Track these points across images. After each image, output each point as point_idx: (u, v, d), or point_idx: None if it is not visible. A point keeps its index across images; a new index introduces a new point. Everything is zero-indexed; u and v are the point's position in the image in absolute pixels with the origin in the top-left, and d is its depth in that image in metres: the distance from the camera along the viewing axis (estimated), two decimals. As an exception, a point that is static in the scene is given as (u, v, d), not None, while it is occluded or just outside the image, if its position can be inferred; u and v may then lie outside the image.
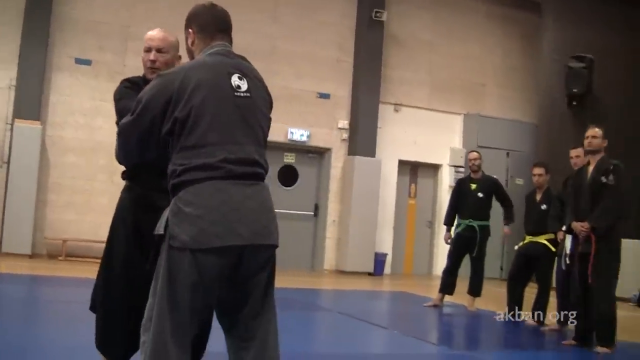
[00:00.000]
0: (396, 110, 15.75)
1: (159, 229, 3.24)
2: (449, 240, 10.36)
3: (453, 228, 10.42)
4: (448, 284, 10.21)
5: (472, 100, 16.44)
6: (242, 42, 13.73)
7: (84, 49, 13.33)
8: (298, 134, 14.79)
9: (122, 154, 3.57)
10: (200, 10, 3.51)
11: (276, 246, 3.32)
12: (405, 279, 15.03)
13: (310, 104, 14.98)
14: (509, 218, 10.24)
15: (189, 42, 3.49)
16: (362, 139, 15.09)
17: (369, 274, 14.86)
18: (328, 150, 15.22)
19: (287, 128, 14.69)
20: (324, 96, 15.09)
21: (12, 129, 12.63)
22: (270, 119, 3.48)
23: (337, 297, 12.08)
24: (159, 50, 4.05)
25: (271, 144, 14.04)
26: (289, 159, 15.10)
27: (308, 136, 14.90)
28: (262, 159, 3.32)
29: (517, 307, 9.12)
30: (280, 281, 11.38)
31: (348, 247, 14.81)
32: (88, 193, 13.24)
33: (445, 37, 16.22)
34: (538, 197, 9.32)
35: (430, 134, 15.96)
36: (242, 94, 3.29)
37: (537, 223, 9.18)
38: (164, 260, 3.18)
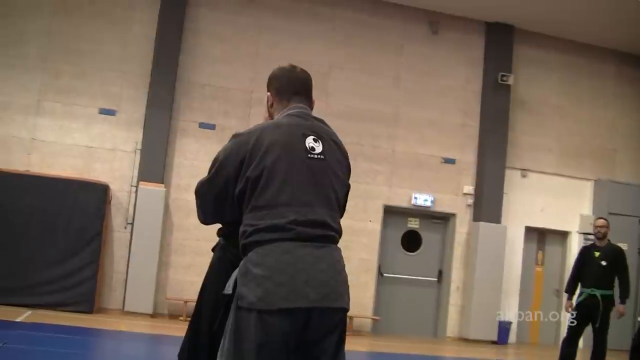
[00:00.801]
0: (523, 176, 15.45)
1: (228, 289, 3.27)
2: (570, 309, 9.96)
3: (575, 297, 10.02)
4: (567, 355, 9.81)
5: (603, 165, 15.96)
6: (365, 108, 14.21)
7: (209, 114, 13.80)
8: (422, 199, 14.74)
9: (201, 214, 3.55)
10: (278, 73, 3.58)
11: (346, 310, 3.26)
12: (529, 348, 14.56)
13: (435, 169, 14.95)
14: (623, 294, 9.79)
15: (268, 104, 3.55)
16: (487, 204, 14.88)
17: (493, 342, 14.42)
18: (453, 215, 15.08)
19: (412, 193, 14.69)
20: (449, 161, 15.02)
21: (137, 191, 13.17)
22: (345, 182, 3.45)
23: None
24: None
25: (395, 208, 14.26)
26: (413, 224, 15.03)
27: (432, 201, 14.82)
28: (334, 222, 3.29)
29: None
30: (401, 347, 11.29)
31: (471, 314, 14.48)
32: (210, 255, 13.44)
33: (574, 101, 15.90)
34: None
35: (559, 200, 15.57)
36: (316, 156, 3.28)
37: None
38: (231, 320, 3.18)
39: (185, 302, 13.04)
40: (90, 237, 12.66)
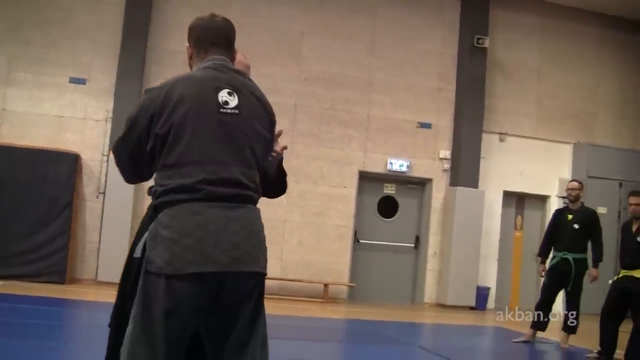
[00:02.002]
0: (501, 140, 15.44)
1: (137, 252, 3.18)
2: (543, 273, 10.00)
3: (548, 260, 10.05)
4: (540, 320, 9.83)
5: (583, 129, 15.93)
6: (339, 73, 14.17)
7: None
8: (398, 165, 14.74)
9: (122, 173, 3.38)
10: (197, 23, 3.42)
11: (262, 274, 3.16)
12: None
13: (411, 134, 14.94)
14: (597, 258, 9.75)
15: (188, 56, 3.44)
16: (464, 169, 14.88)
17: (471, 308, 14.51)
18: (429, 180, 15.09)
19: (387, 158, 14.69)
20: (425, 126, 15.00)
21: (108, 161, 13.19)
22: (266, 137, 3.31)
23: (426, 332, 11.88)
24: None
25: (370, 174, 14.29)
26: (389, 189, 15.05)
27: (408, 167, 14.82)
28: (250, 181, 3.16)
29: (610, 347, 8.66)
30: (378, 314, 11.37)
31: (449, 280, 14.54)
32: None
33: (554, 64, 15.82)
34: (635, 227, 8.84)
35: (537, 164, 15.56)
36: (229, 111, 3.15)
37: (634, 256, 8.70)
38: (140, 285, 3.07)
39: None
40: (61, 207, 12.74)
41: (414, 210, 15.25)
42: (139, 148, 3.19)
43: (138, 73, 13.50)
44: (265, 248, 3.23)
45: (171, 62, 13.75)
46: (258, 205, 3.24)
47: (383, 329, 11.03)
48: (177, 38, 13.77)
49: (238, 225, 3.07)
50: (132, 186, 13.02)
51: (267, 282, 11.27)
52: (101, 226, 13.16)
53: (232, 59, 3.42)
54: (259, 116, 3.27)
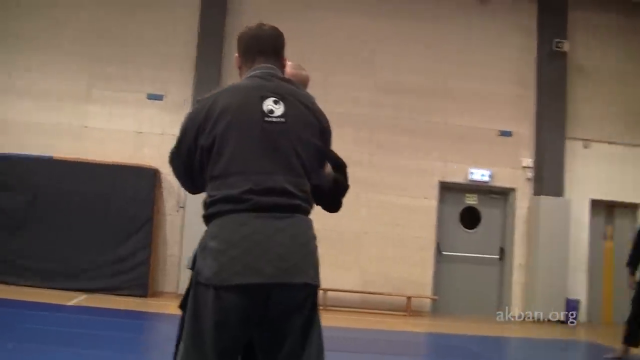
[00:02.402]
0: (585, 147, 14.94)
1: (188, 264, 3.14)
2: (632, 285, 9.46)
3: (638, 272, 9.52)
4: (633, 334, 9.26)
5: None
6: (415, 82, 14.01)
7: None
8: (479, 174, 14.42)
9: (180, 184, 3.40)
10: (244, 32, 3.42)
11: (312, 285, 3.06)
12: (601, 328, 13.93)
13: (491, 143, 14.62)
14: None
15: (237, 66, 3.40)
16: (548, 177, 14.46)
17: (560, 321, 13.94)
18: (512, 190, 14.70)
19: (468, 168, 14.39)
20: (506, 134, 14.67)
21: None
22: (317, 145, 3.20)
23: (513, 347, 11.48)
24: None
25: (451, 184, 13.99)
26: (471, 200, 14.71)
27: (490, 176, 14.49)
28: (298, 189, 3.08)
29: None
30: (462, 328, 11.03)
31: (536, 292, 14.04)
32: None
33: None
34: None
35: (626, 170, 14.96)
36: (274, 119, 3.09)
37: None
38: (190, 295, 3.07)
39: None
40: (142, 221, 12.88)
41: (498, 220, 14.85)
42: (190, 159, 3.18)
43: (214, 85, 13.53)
44: (316, 259, 3.11)
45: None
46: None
47: (468, 344, 10.72)
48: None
49: (286, 236, 3.00)
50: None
51: (348, 295, 11.18)
52: (182, 240, 13.21)
53: (281, 67, 3.38)
54: (307, 124, 3.18)
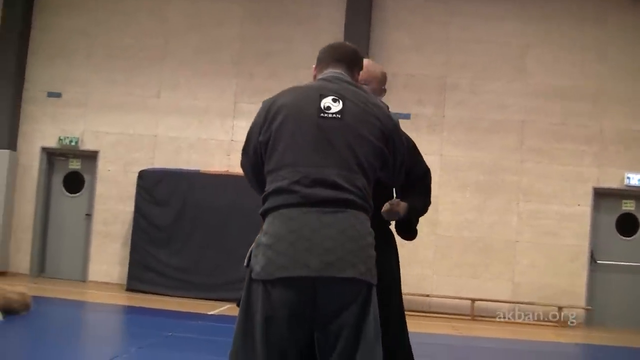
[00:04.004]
0: None
1: (245, 261, 3.19)
2: None
3: None
4: None
5: None
6: (567, 85, 13.62)
7: (403, 104, 13.78)
8: (637, 179, 13.87)
9: (252, 186, 3.47)
10: (322, 48, 3.56)
11: (362, 280, 3.01)
12: None
13: (650, 146, 14.00)
14: None
15: (313, 77, 3.51)
16: None
17: None
18: (674, 195, 14.07)
19: (624, 173, 13.86)
20: (666, 136, 14.03)
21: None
22: (374, 144, 3.18)
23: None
24: (361, 82, 3.93)
25: (606, 190, 13.55)
26: (628, 206, 14.20)
27: (649, 181, 13.91)
28: (350, 184, 3.06)
29: None
30: (619, 340, 10.70)
31: None
32: (412, 245, 13.46)
33: None
34: None
35: None
36: (329, 115, 3.13)
37: None
38: (243, 292, 3.13)
39: None
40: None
41: (657, 227, 14.28)
42: (256, 160, 3.28)
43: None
44: (368, 254, 3.06)
45: (392, 85, 13.81)
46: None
47: (626, 358, 10.41)
48: (398, 60, 13.90)
49: (334, 230, 2.98)
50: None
51: (498, 305, 10.99)
52: None
53: (354, 78, 3.44)
54: (365, 122, 3.18)
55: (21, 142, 14.67)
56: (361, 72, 3.77)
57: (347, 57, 3.45)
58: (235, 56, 14.01)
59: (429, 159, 14.51)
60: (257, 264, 3.03)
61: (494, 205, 13.64)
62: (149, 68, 14.34)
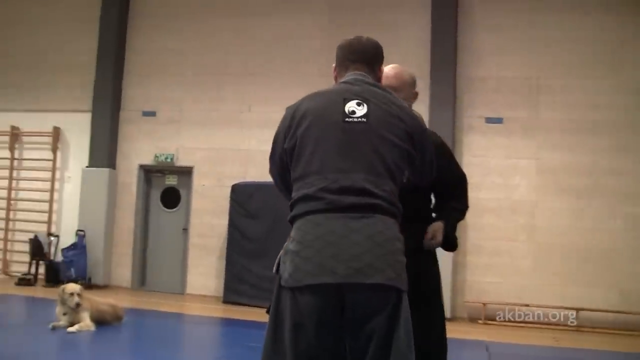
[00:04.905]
0: None
1: (274, 267, 3.19)
2: None
3: None
4: None
5: None
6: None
7: (494, 108, 13.60)
8: None
9: (281, 194, 3.48)
10: (340, 44, 3.54)
11: (390, 287, 2.97)
12: None
13: None
14: None
15: (334, 78, 3.51)
16: None
17: None
18: None
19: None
20: None
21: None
22: (400, 146, 3.17)
23: None
24: (393, 89, 3.92)
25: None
26: None
27: None
28: (378, 188, 3.05)
29: None
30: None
31: None
32: (509, 254, 13.27)
33: None
34: None
35: None
36: (355, 119, 3.13)
37: None
38: (273, 299, 3.14)
39: (484, 304, 12.91)
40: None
41: None
42: (282, 166, 3.31)
43: (449, 102, 13.54)
44: (397, 260, 3.02)
45: (482, 89, 13.65)
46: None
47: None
48: (487, 64, 13.68)
49: (361, 236, 2.96)
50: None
51: (601, 315, 10.43)
52: None
53: (376, 77, 3.44)
54: (390, 125, 3.17)
55: (120, 160, 15.37)
56: (390, 79, 3.93)
57: (366, 55, 3.45)
58: (322, 68, 14.11)
59: (524, 164, 14.17)
60: (286, 271, 3.04)
61: (594, 210, 13.16)
62: (238, 83, 14.72)
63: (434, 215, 4.12)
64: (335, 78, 3.49)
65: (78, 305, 8.84)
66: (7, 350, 7.72)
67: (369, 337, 2.97)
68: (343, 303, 2.96)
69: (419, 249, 3.84)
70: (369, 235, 2.98)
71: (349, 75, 3.37)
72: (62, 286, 9.22)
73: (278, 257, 3.19)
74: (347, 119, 3.14)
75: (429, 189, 4.01)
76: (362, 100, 3.19)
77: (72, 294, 8.88)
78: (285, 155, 3.25)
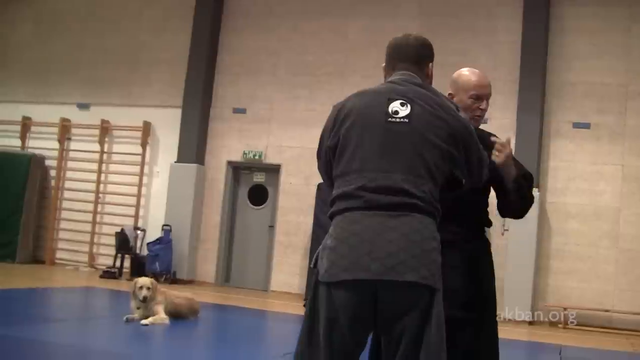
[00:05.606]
0: None
1: (312, 262, 3.23)
2: None
3: None
4: None
5: None
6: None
7: (582, 113, 13.70)
8: None
9: (328, 189, 3.45)
10: (389, 44, 3.54)
11: (424, 285, 2.99)
12: None
13: None
14: None
15: (384, 77, 3.50)
16: None
17: None
18: None
19: None
20: None
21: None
22: (442, 147, 3.17)
23: None
24: (487, 99, 4.00)
25: None
26: None
27: None
28: (417, 189, 3.08)
29: None
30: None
31: None
32: (592, 260, 13.31)
33: None
34: None
35: None
36: (397, 120, 3.15)
37: None
38: (310, 294, 3.21)
39: (565, 309, 12.94)
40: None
41: None
42: (327, 163, 3.38)
43: (537, 107, 13.65)
44: (431, 259, 3.04)
45: (571, 94, 13.75)
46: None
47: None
48: (577, 69, 13.75)
49: (397, 234, 3.01)
50: (535, 222, 13.21)
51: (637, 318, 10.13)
52: (505, 262, 13.05)
53: (425, 75, 3.45)
54: (433, 126, 3.17)
55: (208, 157, 15.74)
56: (489, 88, 3.98)
57: (416, 56, 3.45)
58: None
59: (610, 170, 14.34)
60: (322, 267, 3.09)
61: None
62: (330, 84, 14.94)
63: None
64: (385, 77, 3.50)
65: (145, 299, 8.83)
66: (78, 340, 7.95)
67: (400, 334, 3.03)
68: (376, 300, 3.02)
69: (479, 253, 3.92)
70: (405, 233, 3.02)
71: (396, 75, 3.39)
72: (135, 279, 9.26)
73: (317, 252, 3.21)
74: (389, 119, 3.17)
75: (486, 196, 4.00)
76: (406, 100, 3.20)
77: (141, 287, 8.89)
78: (328, 152, 3.31)
